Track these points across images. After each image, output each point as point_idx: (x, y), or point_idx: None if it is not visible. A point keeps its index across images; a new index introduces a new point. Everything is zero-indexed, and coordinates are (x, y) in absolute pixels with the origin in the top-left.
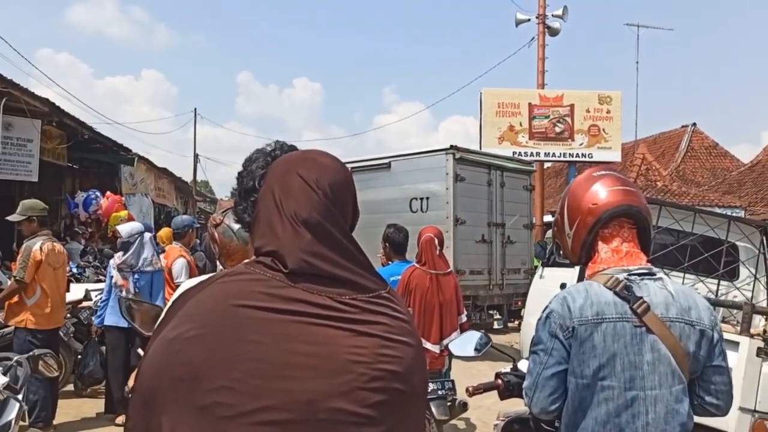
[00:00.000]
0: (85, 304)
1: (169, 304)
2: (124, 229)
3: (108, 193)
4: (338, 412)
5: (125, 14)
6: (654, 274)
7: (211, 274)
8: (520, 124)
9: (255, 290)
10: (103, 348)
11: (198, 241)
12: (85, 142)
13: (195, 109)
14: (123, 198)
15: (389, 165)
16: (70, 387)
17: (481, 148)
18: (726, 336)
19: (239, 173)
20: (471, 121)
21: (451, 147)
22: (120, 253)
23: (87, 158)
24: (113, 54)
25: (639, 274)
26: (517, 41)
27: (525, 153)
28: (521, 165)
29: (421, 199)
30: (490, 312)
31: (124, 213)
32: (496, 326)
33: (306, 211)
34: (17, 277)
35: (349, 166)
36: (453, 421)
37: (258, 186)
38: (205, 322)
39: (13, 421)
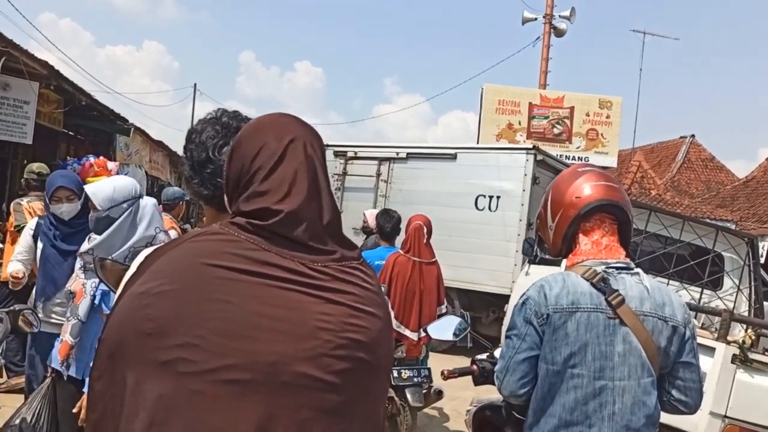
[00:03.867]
0: None
1: (140, 259)
2: (99, 192)
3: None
4: (301, 376)
5: None
6: (631, 269)
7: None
8: (519, 123)
9: (227, 251)
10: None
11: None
12: (82, 108)
13: (195, 84)
14: (113, 163)
15: (455, 156)
16: None
17: (478, 143)
18: (703, 341)
19: (186, 148)
20: (471, 116)
21: (533, 147)
22: (91, 237)
23: (83, 125)
24: (117, 23)
25: (617, 268)
26: (522, 40)
27: None
28: None
29: (491, 197)
30: None
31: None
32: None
33: (285, 173)
34: (18, 226)
35: (407, 151)
36: (427, 410)
37: (212, 156)
38: (174, 279)
39: None
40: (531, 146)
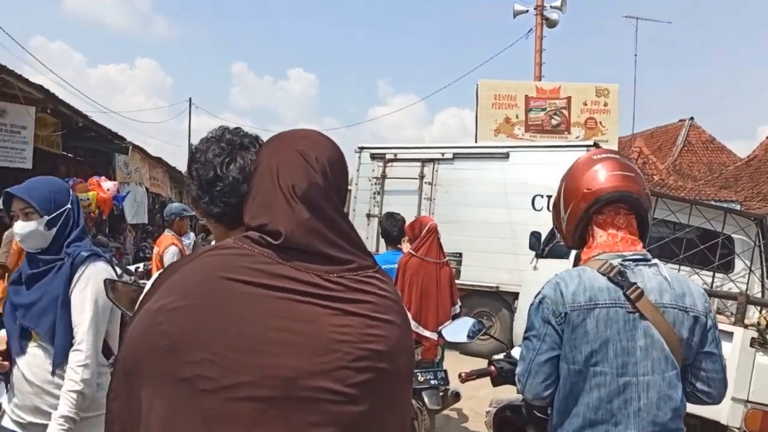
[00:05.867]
0: None
1: (155, 276)
2: None
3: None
4: (320, 390)
5: (127, 3)
6: (649, 260)
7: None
8: (517, 117)
9: (242, 265)
10: None
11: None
12: (79, 130)
13: (190, 99)
14: (110, 182)
15: (507, 155)
16: None
17: (476, 141)
18: (720, 326)
19: (191, 168)
20: (467, 113)
21: (594, 144)
22: None
23: (81, 147)
24: (108, 43)
25: (633, 260)
26: (515, 33)
27: None
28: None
29: (549, 196)
30: None
31: (89, 194)
32: None
33: (302, 187)
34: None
35: (453, 151)
36: (445, 411)
37: (220, 174)
38: (189, 294)
39: None
40: (592, 142)
